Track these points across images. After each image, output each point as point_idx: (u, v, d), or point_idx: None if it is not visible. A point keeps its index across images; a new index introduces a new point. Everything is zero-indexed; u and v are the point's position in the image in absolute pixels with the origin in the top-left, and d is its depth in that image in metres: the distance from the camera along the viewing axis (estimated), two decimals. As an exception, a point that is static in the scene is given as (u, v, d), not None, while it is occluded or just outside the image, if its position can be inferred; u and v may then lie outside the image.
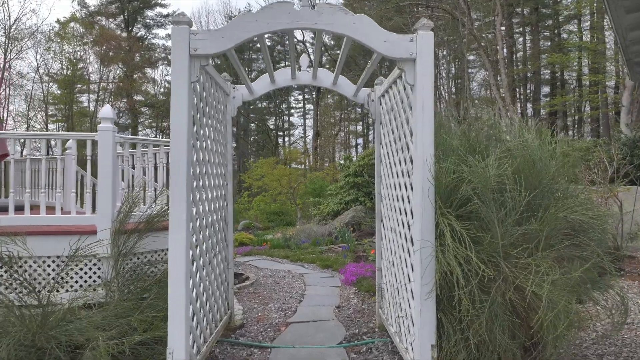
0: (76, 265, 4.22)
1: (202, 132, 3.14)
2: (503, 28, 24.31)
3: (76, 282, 4.38)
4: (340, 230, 12.55)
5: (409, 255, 3.04)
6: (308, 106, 41.28)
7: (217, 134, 3.68)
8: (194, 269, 2.93)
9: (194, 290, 2.91)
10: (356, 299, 5.45)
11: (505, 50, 24.84)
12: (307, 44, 33.94)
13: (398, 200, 3.40)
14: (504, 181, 2.41)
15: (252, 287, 6.27)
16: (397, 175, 3.42)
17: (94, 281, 4.34)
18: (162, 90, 37.68)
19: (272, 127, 41.47)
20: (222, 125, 3.88)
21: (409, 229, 3.04)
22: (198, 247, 3.03)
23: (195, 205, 2.95)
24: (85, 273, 4.43)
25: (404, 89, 3.12)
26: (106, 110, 4.54)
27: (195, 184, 2.94)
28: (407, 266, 3.10)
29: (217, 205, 3.66)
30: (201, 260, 3.10)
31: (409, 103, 2.98)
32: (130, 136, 6.95)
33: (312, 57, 3.93)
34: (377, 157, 4.17)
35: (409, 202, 3.06)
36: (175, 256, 2.53)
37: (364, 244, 11.67)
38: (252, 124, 41.40)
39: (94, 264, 4.42)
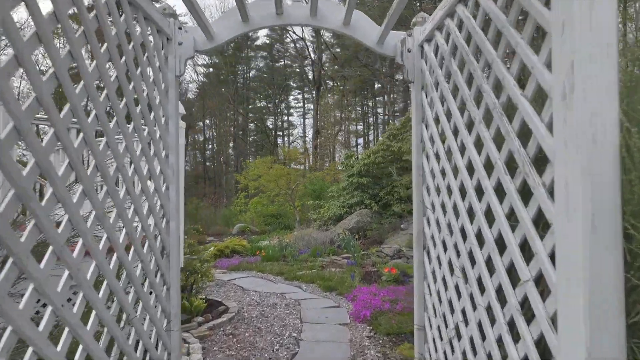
0: None
1: (78, 88, 1.55)
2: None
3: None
4: (343, 238, 10.93)
5: (513, 343, 1.46)
6: (308, 105, 39.78)
7: (141, 101, 2.09)
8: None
9: None
10: (373, 350, 3.86)
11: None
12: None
13: (472, 219, 1.81)
14: None
15: (231, 325, 4.68)
16: (473, 169, 1.83)
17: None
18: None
19: (270, 126, 39.97)
20: (155, 88, 2.27)
21: (517, 277, 1.45)
22: (69, 327, 1.43)
23: (54, 242, 1.35)
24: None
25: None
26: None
27: (45, 194, 1.35)
28: None
29: (140, 226, 2.07)
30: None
31: (512, 19, 1.40)
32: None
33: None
34: (417, 144, 2.56)
35: (510, 224, 1.48)
36: None
37: (371, 254, 10.03)
38: (251, 124, 39.92)
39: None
